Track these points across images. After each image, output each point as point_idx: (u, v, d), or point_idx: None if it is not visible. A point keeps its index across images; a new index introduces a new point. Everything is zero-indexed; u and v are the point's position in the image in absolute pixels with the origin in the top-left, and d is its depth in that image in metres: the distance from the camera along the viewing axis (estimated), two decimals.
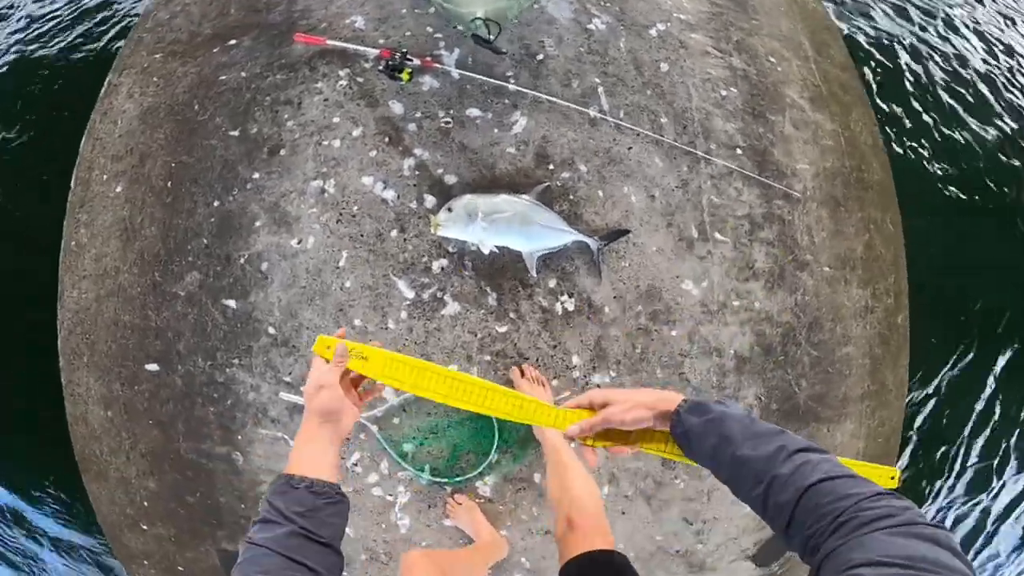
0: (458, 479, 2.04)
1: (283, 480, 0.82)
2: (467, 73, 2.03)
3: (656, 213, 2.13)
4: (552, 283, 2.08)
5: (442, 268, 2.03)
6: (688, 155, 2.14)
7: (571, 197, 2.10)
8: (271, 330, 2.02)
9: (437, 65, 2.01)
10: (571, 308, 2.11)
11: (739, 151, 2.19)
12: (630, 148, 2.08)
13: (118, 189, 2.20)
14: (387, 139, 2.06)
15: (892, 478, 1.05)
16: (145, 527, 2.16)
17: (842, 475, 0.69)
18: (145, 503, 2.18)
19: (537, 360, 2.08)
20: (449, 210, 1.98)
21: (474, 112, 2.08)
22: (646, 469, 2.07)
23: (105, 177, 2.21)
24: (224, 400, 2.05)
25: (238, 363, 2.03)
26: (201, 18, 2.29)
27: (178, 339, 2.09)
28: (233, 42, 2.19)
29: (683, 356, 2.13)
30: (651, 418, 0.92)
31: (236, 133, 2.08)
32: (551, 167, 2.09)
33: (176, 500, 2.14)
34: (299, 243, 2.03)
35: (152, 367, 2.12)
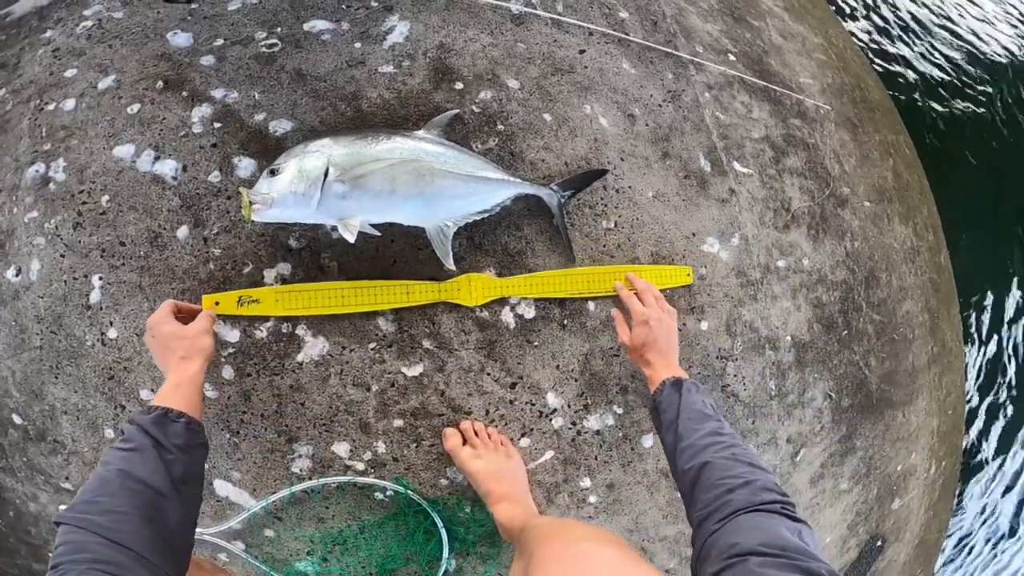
0: None
1: (158, 411, 0.60)
2: None
3: (643, 140, 0.93)
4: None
5: (283, 280, 0.79)
6: (670, 59, 0.98)
7: (499, 127, 0.88)
8: (16, 419, 0.80)
9: None
10: (529, 314, 0.84)
11: (731, 56, 1.05)
12: (582, 52, 0.96)
13: None
14: (161, 83, 0.84)
15: (687, 275, 0.83)
16: None
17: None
18: None
19: (486, 412, 0.83)
20: (273, 173, 0.72)
21: (319, 25, 0.87)
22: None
23: None
24: (6, 511, 0.85)
25: None
26: None
27: None
28: None
29: (723, 359, 0.93)
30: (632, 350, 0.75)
31: None
32: (459, 86, 0.88)
33: None
34: (17, 275, 0.79)
35: None
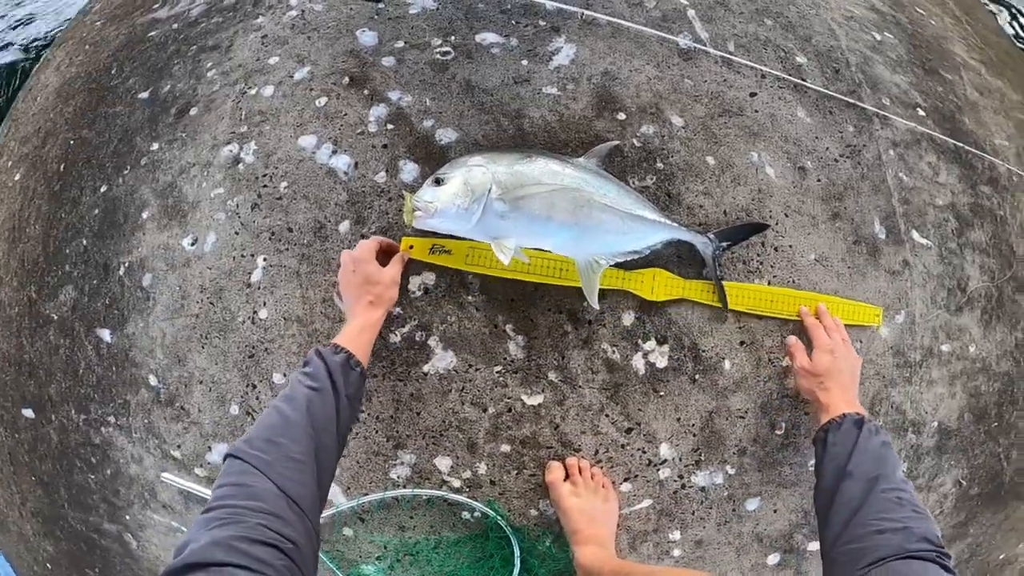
0: None
1: (344, 354, 0.62)
2: None
3: (812, 196, 0.84)
4: (628, 318, 0.79)
5: (426, 289, 0.81)
6: (851, 110, 0.86)
7: (659, 165, 0.82)
8: (152, 380, 0.86)
9: None
10: (662, 363, 0.79)
11: (920, 111, 0.92)
12: (753, 94, 0.87)
13: (16, 177, 1.07)
14: (347, 79, 0.87)
15: (876, 315, 0.77)
16: None
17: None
18: (48, 565, 1.06)
19: (596, 452, 0.79)
20: (438, 182, 0.71)
21: (489, 38, 0.87)
22: None
23: (10, 164, 1.10)
24: (103, 468, 0.91)
25: (114, 422, 0.88)
26: None
27: (50, 380, 0.93)
28: None
29: None
30: (807, 381, 0.70)
31: (145, 95, 0.96)
32: (621, 117, 0.83)
33: (76, 570, 1.02)
34: (193, 244, 0.85)
35: (28, 413, 0.97)
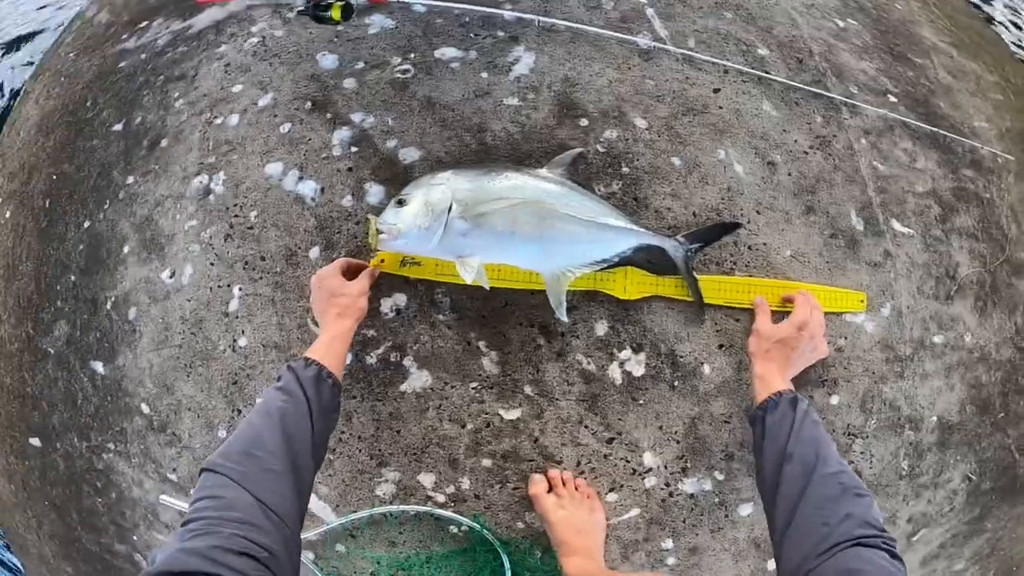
0: None
1: (315, 366, 0.62)
2: (438, 2, 0.85)
3: (784, 191, 0.81)
4: (601, 328, 0.78)
5: (398, 310, 0.81)
6: (819, 100, 0.84)
7: (624, 170, 0.80)
8: (145, 408, 0.88)
9: None
10: (639, 371, 0.78)
11: (891, 98, 0.89)
12: (716, 91, 0.85)
13: (7, 215, 1.10)
14: (309, 104, 0.87)
15: (860, 301, 0.74)
16: None
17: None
18: None
19: (578, 463, 0.78)
20: (401, 203, 0.71)
21: (449, 53, 0.87)
22: None
23: (0, 200, 1.12)
24: (108, 492, 0.94)
25: (114, 449, 0.91)
26: (123, 7, 1.17)
27: (52, 410, 0.97)
28: (144, 24, 1.08)
29: (852, 436, 0.80)
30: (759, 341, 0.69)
31: (119, 127, 0.98)
32: (584, 123, 0.82)
33: None
34: (172, 276, 0.87)
35: (35, 442, 1.00)
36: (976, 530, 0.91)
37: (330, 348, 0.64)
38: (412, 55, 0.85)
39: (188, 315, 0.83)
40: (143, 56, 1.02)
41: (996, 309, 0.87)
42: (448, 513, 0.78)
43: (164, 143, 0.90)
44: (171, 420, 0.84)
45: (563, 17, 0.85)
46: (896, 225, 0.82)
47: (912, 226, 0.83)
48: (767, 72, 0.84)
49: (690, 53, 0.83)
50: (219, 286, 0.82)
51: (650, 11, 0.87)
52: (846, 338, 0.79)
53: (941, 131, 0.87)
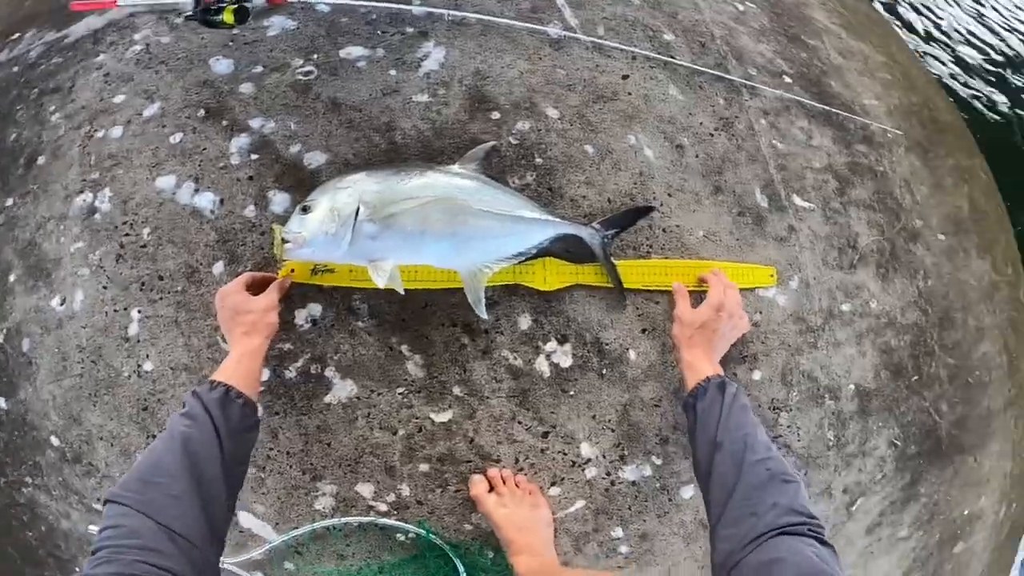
0: None
1: (221, 388, 0.60)
2: (343, 0, 0.81)
3: (693, 173, 0.83)
4: (525, 322, 0.77)
5: (314, 321, 0.77)
6: (721, 83, 0.87)
7: (538, 160, 0.80)
8: (55, 440, 0.80)
9: None
10: (566, 362, 0.77)
11: (787, 79, 0.93)
12: (625, 77, 0.87)
13: None
14: (202, 112, 0.81)
15: (771, 275, 0.76)
16: None
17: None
18: None
19: (516, 460, 0.76)
20: (305, 210, 0.67)
21: (355, 51, 0.83)
22: None
23: None
24: (37, 526, 0.85)
25: (32, 483, 0.82)
26: None
27: None
28: (15, 36, 0.98)
29: (777, 410, 0.82)
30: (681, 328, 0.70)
31: None
32: (496, 116, 0.81)
33: None
34: (63, 304, 0.79)
35: None
36: (911, 495, 0.95)
37: (239, 367, 0.63)
38: (315, 56, 0.82)
39: (85, 343, 0.76)
40: (15, 69, 0.93)
41: (897, 275, 0.93)
42: (392, 522, 0.76)
43: (41, 160, 0.82)
44: (84, 451, 0.77)
45: (474, 10, 0.84)
46: (797, 200, 0.87)
47: (812, 200, 0.88)
48: (673, 57, 0.86)
49: (600, 41, 0.84)
50: (115, 310, 0.76)
51: (560, 0, 0.88)
52: (761, 312, 0.82)
53: (834, 109, 0.93)
